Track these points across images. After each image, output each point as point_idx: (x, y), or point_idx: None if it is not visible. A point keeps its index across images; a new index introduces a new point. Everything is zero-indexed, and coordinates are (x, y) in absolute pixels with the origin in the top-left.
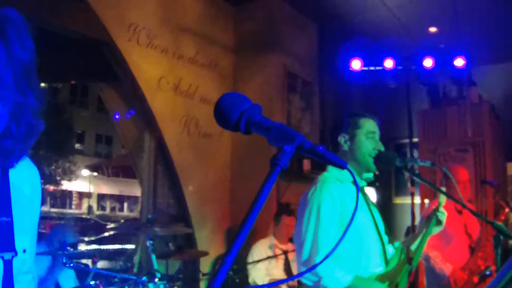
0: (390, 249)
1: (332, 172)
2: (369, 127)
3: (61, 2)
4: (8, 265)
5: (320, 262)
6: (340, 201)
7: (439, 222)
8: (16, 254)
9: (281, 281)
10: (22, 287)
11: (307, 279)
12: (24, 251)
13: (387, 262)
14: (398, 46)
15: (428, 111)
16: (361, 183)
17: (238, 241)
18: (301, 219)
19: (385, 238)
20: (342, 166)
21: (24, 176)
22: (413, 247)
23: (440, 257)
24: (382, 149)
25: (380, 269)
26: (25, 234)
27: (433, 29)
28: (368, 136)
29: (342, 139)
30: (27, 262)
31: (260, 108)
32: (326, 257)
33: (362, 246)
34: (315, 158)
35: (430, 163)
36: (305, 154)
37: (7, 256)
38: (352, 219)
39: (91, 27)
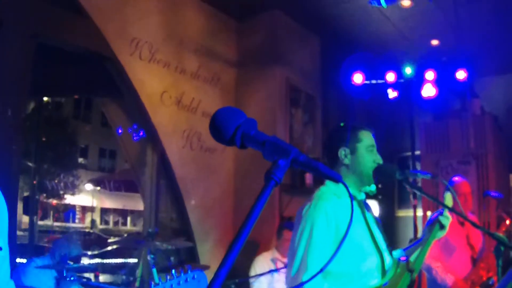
0: (388, 260)
1: (329, 186)
2: (368, 140)
3: (64, 17)
4: None
5: (308, 281)
6: (335, 218)
7: (442, 227)
8: None
9: None
10: None
11: None
12: (0, 248)
13: (384, 275)
14: (400, 59)
15: (431, 123)
16: (360, 195)
17: (232, 254)
18: (294, 236)
19: (384, 250)
20: (336, 179)
21: None
22: (413, 256)
23: (442, 268)
24: (381, 161)
25: (376, 281)
26: None
27: (435, 42)
28: (368, 149)
29: (342, 152)
30: (4, 259)
31: (255, 123)
32: (313, 276)
33: (356, 259)
34: (309, 172)
35: (431, 176)
36: (300, 167)
37: None
38: (345, 236)
39: (93, 41)
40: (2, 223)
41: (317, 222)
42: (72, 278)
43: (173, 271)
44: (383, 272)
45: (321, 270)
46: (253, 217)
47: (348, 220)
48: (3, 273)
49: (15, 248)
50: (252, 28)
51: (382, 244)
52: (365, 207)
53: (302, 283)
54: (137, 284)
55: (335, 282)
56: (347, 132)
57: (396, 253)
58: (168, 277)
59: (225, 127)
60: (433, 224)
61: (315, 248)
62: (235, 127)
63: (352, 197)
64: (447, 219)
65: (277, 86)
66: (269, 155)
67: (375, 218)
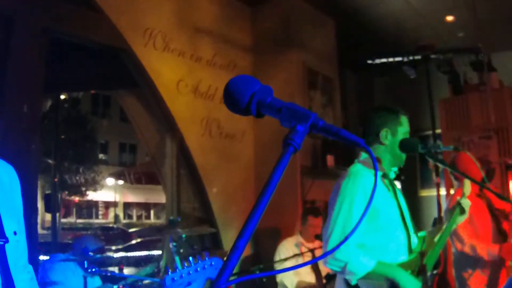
0: (414, 239)
1: (365, 163)
2: (406, 126)
3: (75, 12)
4: (1, 250)
5: (337, 247)
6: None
7: (462, 211)
8: (7, 240)
9: (305, 264)
10: (22, 286)
11: (334, 266)
12: (15, 233)
13: (411, 252)
14: (416, 36)
15: (450, 99)
16: (391, 174)
17: (251, 225)
18: (331, 210)
19: (411, 228)
20: (358, 143)
21: None
22: (436, 238)
23: (481, 244)
24: None
25: (403, 257)
26: (12, 217)
27: (450, 18)
28: (405, 134)
29: (384, 132)
30: (20, 244)
31: (271, 90)
32: (344, 241)
33: (387, 235)
34: (329, 137)
35: (453, 147)
36: (319, 133)
37: None
38: (369, 202)
39: (106, 34)
40: (16, 207)
41: (356, 199)
42: (93, 270)
43: (191, 258)
44: (409, 249)
45: (347, 238)
46: (271, 186)
47: (381, 196)
48: (19, 257)
49: (37, 246)
50: (266, 13)
51: (409, 223)
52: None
53: (329, 252)
54: (161, 275)
55: (368, 254)
56: (392, 114)
57: (421, 234)
58: (186, 264)
59: (240, 96)
60: (453, 209)
61: (354, 223)
62: (250, 94)
63: (375, 162)
64: (468, 204)
65: (294, 70)
66: (286, 121)
67: (403, 197)
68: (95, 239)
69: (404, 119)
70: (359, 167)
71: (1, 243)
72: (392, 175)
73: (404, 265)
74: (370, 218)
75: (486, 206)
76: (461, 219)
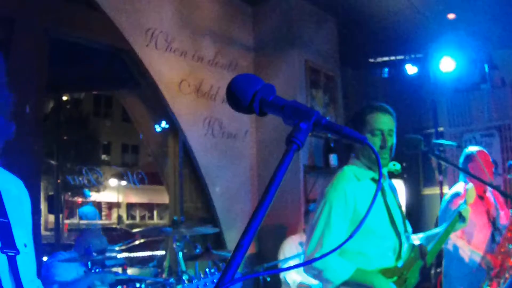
0: (405, 244)
1: (351, 167)
2: (374, 124)
3: (76, 12)
4: (12, 261)
5: (320, 258)
6: (354, 200)
7: (463, 219)
8: (18, 252)
9: (298, 265)
10: None
11: (309, 273)
12: (25, 245)
13: (399, 258)
14: (417, 34)
15: (452, 97)
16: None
17: (255, 223)
18: (315, 212)
19: (402, 234)
20: (361, 141)
21: (7, 180)
22: (430, 244)
23: (467, 245)
24: (389, 145)
25: (390, 263)
26: (22, 229)
27: (451, 16)
28: (373, 133)
29: None
30: (29, 257)
31: (274, 88)
32: (326, 254)
33: (370, 241)
34: (333, 135)
35: (456, 145)
36: (322, 130)
37: (10, 253)
38: (366, 216)
39: (108, 35)
40: (25, 220)
41: (336, 204)
42: (97, 270)
43: (207, 270)
44: (399, 254)
45: (330, 253)
46: (275, 184)
47: (367, 202)
48: (28, 270)
49: (40, 248)
50: (267, 12)
51: (401, 228)
52: (390, 189)
53: (315, 259)
54: (165, 275)
55: (351, 260)
56: (357, 117)
57: (422, 239)
58: (202, 276)
59: (243, 94)
60: (453, 216)
61: (332, 230)
62: (252, 93)
63: (379, 159)
64: (468, 211)
65: (296, 69)
66: (289, 120)
67: (397, 201)
68: (100, 237)
69: (371, 117)
70: (346, 172)
71: (12, 254)
72: (385, 173)
73: (387, 271)
74: (352, 224)
75: (485, 211)
76: (460, 227)
